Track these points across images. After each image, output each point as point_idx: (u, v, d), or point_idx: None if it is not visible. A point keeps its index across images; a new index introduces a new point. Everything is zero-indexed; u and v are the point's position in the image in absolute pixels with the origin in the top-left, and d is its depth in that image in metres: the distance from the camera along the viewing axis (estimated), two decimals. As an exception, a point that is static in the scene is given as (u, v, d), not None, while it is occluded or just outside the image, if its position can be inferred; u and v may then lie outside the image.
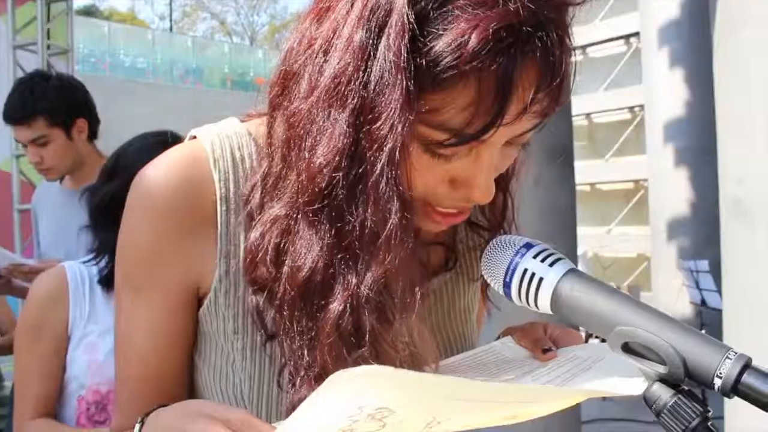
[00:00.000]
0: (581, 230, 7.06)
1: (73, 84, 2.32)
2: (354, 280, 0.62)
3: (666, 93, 7.77)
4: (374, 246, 0.61)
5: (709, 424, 0.53)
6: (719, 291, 5.26)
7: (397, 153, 0.58)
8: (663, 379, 0.55)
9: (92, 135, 2.27)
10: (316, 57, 0.62)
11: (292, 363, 0.65)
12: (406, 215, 0.60)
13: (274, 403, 0.70)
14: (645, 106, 8.84)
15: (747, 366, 0.51)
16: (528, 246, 0.64)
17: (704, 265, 5.75)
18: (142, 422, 0.64)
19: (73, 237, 2.12)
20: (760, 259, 2.57)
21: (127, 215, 0.73)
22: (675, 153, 7.66)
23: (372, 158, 0.59)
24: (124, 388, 0.76)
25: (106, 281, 1.49)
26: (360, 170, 0.60)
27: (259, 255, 0.66)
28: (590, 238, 10.73)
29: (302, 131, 0.62)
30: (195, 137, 0.74)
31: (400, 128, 0.57)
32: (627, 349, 0.56)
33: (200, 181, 0.70)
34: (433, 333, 0.76)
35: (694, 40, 7.23)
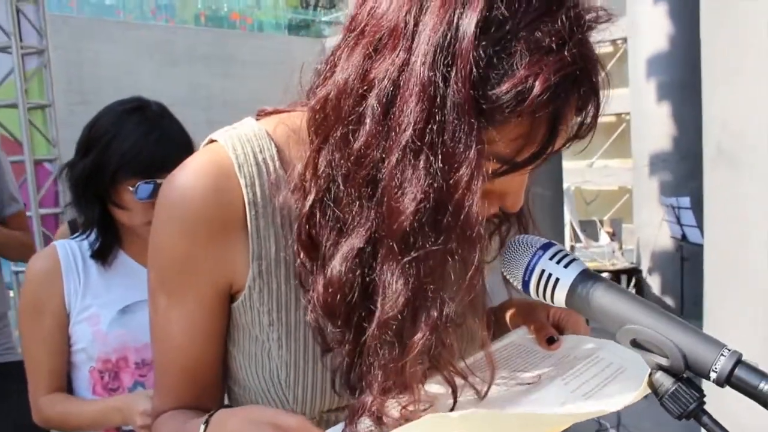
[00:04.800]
0: (563, 165, 7.16)
1: None
2: (436, 312, 0.65)
3: (650, 26, 7.73)
4: (462, 279, 0.65)
5: (704, 407, 0.62)
6: (699, 227, 5.44)
7: (479, 196, 0.62)
8: (665, 369, 0.64)
9: None
10: (380, 98, 0.63)
11: (366, 378, 0.69)
12: (483, 244, 0.65)
13: (309, 388, 0.76)
14: (628, 39, 8.80)
15: (738, 362, 0.59)
16: (545, 248, 0.71)
17: (686, 201, 5.91)
18: (207, 423, 0.69)
19: None
20: (742, 204, 2.67)
21: (157, 222, 0.76)
22: (658, 87, 7.69)
23: (461, 203, 0.62)
24: (164, 376, 0.82)
25: (99, 255, 1.53)
26: (446, 213, 0.63)
27: (347, 291, 0.68)
28: (573, 173, 10.84)
29: (378, 174, 0.65)
30: (215, 140, 0.77)
31: (481, 172, 0.61)
32: (634, 343, 0.65)
33: (227, 189, 0.73)
34: None
35: (679, -27, 7.15)
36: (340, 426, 0.71)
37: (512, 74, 0.59)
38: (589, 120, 0.66)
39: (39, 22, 4.86)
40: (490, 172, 0.64)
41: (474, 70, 0.59)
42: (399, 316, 0.65)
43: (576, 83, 0.62)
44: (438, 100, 0.61)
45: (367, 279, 0.68)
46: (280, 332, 0.76)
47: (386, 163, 0.63)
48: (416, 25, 0.62)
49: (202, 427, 0.69)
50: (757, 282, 2.59)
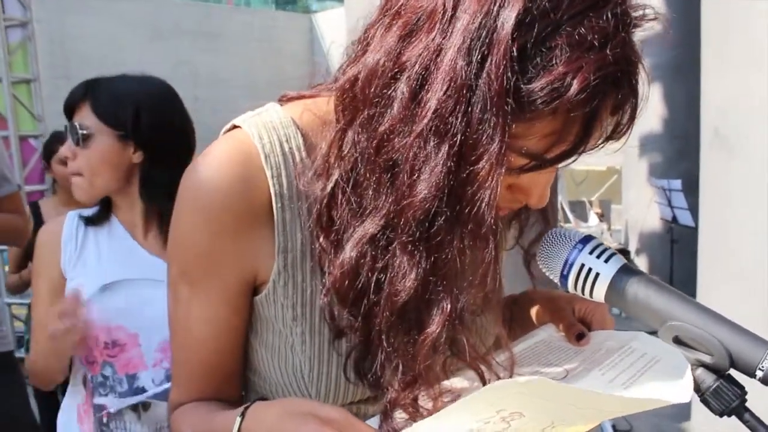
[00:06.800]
0: (554, 146, 7.14)
1: None
2: (449, 305, 0.64)
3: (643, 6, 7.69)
4: (474, 273, 0.64)
5: (746, 404, 0.62)
6: (690, 209, 5.47)
7: (497, 192, 0.60)
8: (707, 366, 0.63)
9: None
10: (410, 82, 0.61)
11: (388, 370, 0.69)
12: (497, 240, 0.63)
13: (333, 383, 0.75)
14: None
15: (786, 360, 0.59)
16: (584, 241, 0.70)
17: (677, 184, 5.93)
18: (243, 416, 0.67)
19: None
20: (737, 188, 2.69)
21: (179, 213, 0.74)
22: (649, 68, 7.67)
23: (474, 197, 0.61)
24: (184, 368, 0.80)
25: (89, 220, 1.57)
26: (461, 206, 0.61)
27: (358, 276, 0.68)
28: (562, 152, 10.91)
29: (398, 159, 0.63)
30: (238, 126, 0.74)
31: (500, 168, 0.59)
32: (677, 340, 0.64)
33: (253, 179, 0.71)
34: None
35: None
36: (377, 419, 0.70)
37: (550, 69, 0.57)
38: (625, 121, 0.64)
39: (21, -7, 4.75)
40: (517, 166, 0.62)
41: (510, 61, 0.57)
42: (407, 304, 0.64)
43: (615, 84, 0.60)
44: (467, 88, 0.58)
45: (379, 266, 0.66)
46: (304, 327, 0.74)
47: (406, 148, 0.62)
48: (455, 10, 0.60)
49: (239, 419, 0.68)
50: (751, 265, 2.62)
